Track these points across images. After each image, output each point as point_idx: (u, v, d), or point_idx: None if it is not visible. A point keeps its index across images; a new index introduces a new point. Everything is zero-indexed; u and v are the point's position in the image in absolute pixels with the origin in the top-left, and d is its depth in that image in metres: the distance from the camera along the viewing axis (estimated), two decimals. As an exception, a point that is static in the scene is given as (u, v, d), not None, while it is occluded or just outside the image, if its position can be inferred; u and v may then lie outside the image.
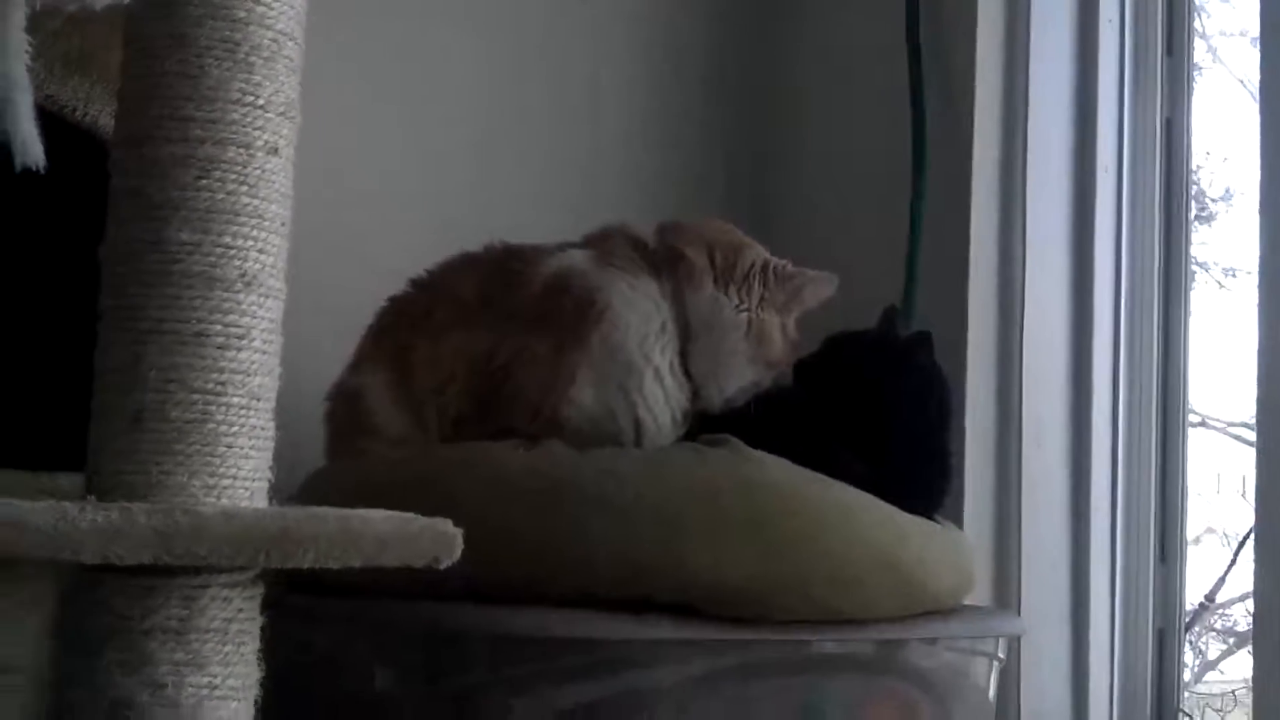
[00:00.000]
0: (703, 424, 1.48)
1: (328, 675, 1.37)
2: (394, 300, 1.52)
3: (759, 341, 1.48)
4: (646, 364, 1.42)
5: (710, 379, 1.47)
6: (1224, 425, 2.12)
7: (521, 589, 1.27)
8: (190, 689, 0.89)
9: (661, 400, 1.44)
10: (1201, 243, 2.30)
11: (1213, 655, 2.33)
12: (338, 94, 1.83)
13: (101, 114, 1.31)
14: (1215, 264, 2.21)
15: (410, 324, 1.47)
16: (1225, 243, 2.23)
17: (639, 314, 1.43)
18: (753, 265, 1.50)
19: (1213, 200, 2.34)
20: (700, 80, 2.27)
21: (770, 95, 2.29)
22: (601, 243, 1.49)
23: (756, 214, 2.14)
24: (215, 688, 0.90)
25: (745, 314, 1.48)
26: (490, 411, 1.41)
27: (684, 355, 1.46)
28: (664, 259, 1.48)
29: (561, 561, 1.28)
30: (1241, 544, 1.94)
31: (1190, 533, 2.04)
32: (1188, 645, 2.14)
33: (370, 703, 1.32)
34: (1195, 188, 2.22)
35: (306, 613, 1.35)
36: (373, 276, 1.52)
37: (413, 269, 1.52)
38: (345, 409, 1.47)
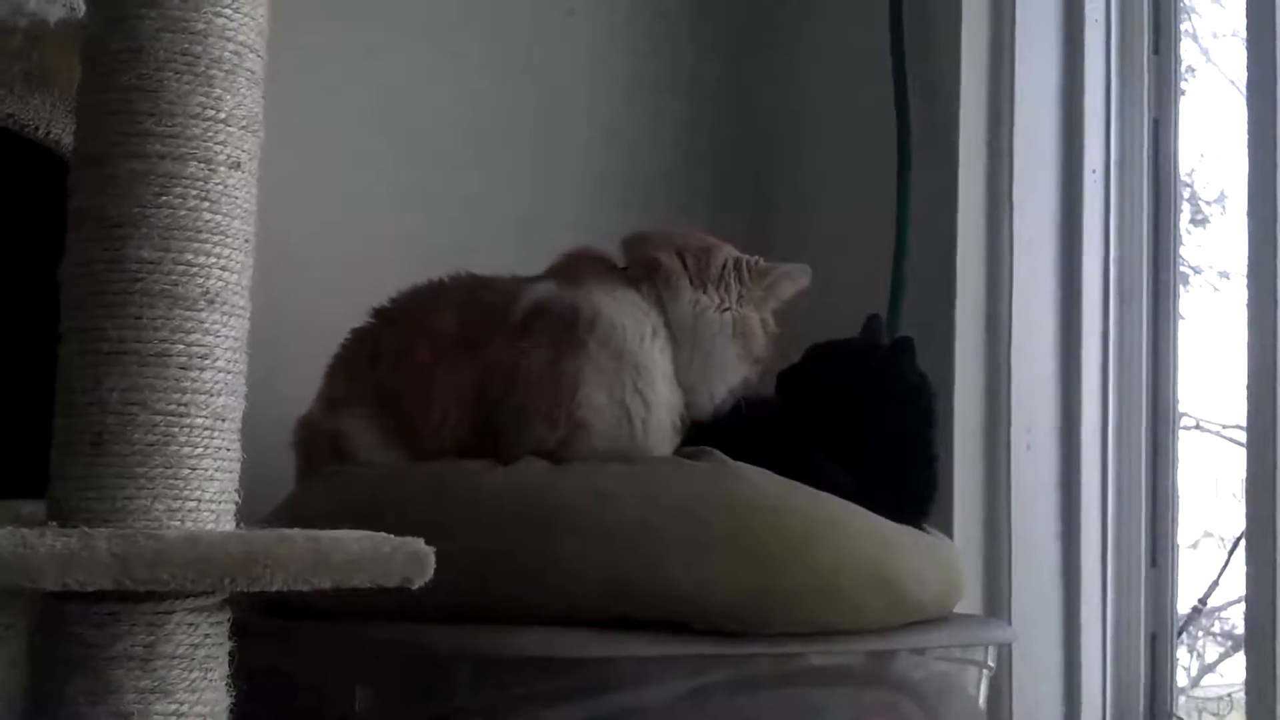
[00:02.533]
0: (694, 432, 1.47)
1: (307, 700, 1.35)
2: (359, 334, 1.49)
3: (745, 338, 1.48)
4: (652, 364, 1.42)
5: (702, 383, 1.47)
6: (1219, 428, 2.11)
7: (504, 611, 1.25)
8: (157, 717, 0.87)
9: (668, 402, 1.43)
10: (1197, 245, 2.30)
11: (1211, 659, 2.32)
12: (309, 111, 1.82)
13: (64, 133, 1.29)
14: (1210, 267, 2.20)
15: (389, 363, 1.44)
16: (1219, 246, 2.22)
17: (631, 318, 1.43)
18: (725, 263, 1.50)
19: (1206, 203, 2.33)
20: (685, 88, 2.25)
21: (754, 103, 2.28)
22: (569, 269, 1.47)
23: (743, 219, 2.14)
24: (183, 715, 0.88)
25: (728, 312, 1.48)
26: (495, 440, 1.39)
27: (673, 363, 1.45)
28: (638, 270, 1.47)
29: (544, 582, 1.26)
30: (1234, 547, 1.93)
31: (1188, 537, 2.03)
32: (1186, 649, 2.13)
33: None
34: (1189, 191, 2.22)
35: (284, 636, 1.33)
36: (346, 295, 1.51)
37: (387, 286, 1.50)
38: (325, 448, 1.44)
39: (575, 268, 1.47)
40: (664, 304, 1.46)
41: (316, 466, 1.46)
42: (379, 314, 1.49)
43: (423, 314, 1.46)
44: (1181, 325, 1.99)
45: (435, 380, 1.40)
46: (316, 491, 1.43)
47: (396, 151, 2.00)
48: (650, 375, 1.41)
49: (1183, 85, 2.04)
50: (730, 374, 1.48)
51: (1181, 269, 2.04)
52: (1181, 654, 2.08)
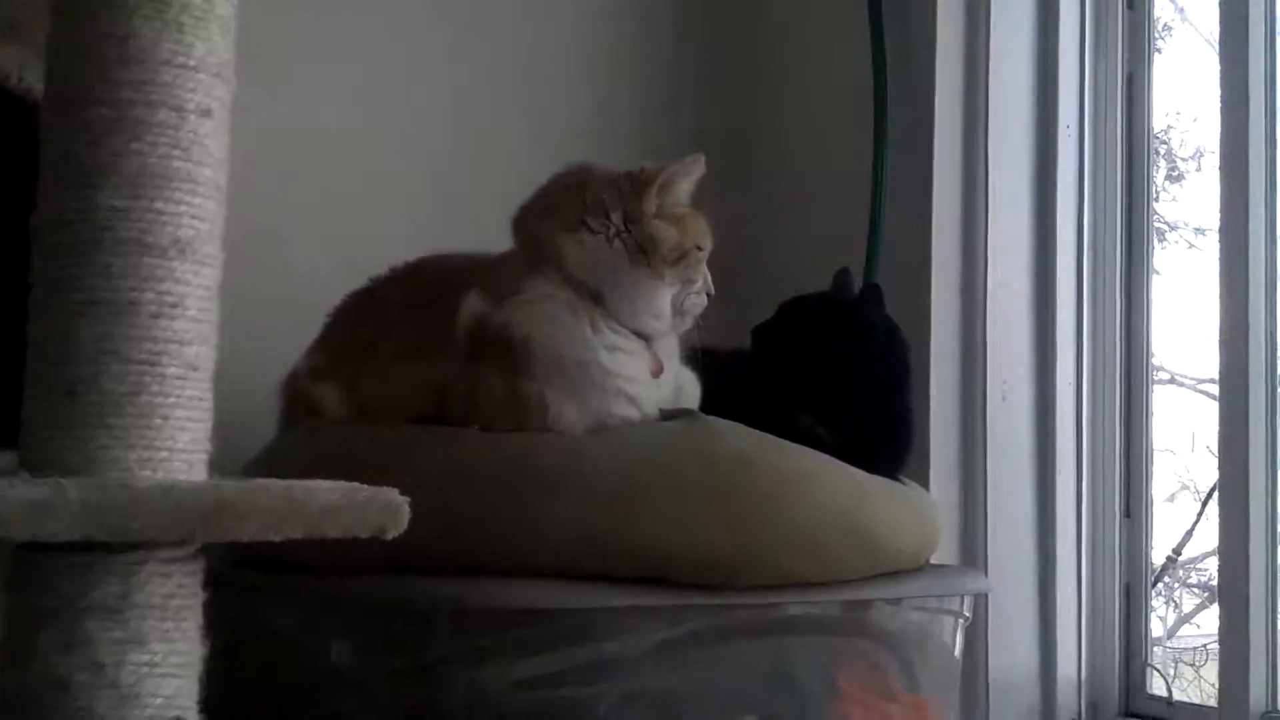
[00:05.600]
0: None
1: (285, 651, 1.35)
2: (339, 315, 1.50)
3: (648, 254, 1.39)
4: (603, 352, 1.36)
5: (644, 316, 1.39)
6: (1195, 383, 2.12)
7: (481, 565, 1.25)
8: (130, 667, 0.87)
9: (629, 363, 1.38)
10: (1171, 200, 2.30)
11: (1188, 610, 2.34)
12: (294, 72, 1.83)
13: (36, 81, 1.27)
14: (1186, 223, 2.21)
15: (357, 354, 1.43)
16: (1195, 202, 2.23)
17: (554, 320, 1.36)
18: (598, 193, 1.40)
19: (1183, 160, 2.34)
20: (660, 31, 2.26)
21: (731, 53, 2.28)
22: (488, 274, 1.40)
23: (721, 174, 2.13)
24: (156, 665, 0.88)
25: (617, 239, 1.39)
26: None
27: (608, 313, 1.38)
28: (531, 255, 1.41)
29: (520, 536, 1.26)
30: (1207, 499, 1.94)
31: (1165, 490, 2.05)
32: (1162, 600, 2.15)
33: (329, 678, 1.31)
34: (1165, 148, 2.22)
35: (262, 588, 1.34)
36: (324, 248, 1.50)
37: (362, 243, 1.49)
38: (305, 409, 1.44)
39: (493, 273, 1.40)
40: (568, 273, 1.38)
41: (295, 421, 1.46)
42: (356, 298, 1.50)
43: (385, 311, 1.45)
44: (1158, 281, 2.00)
45: (395, 382, 1.39)
46: (295, 442, 1.43)
47: (377, 112, 2.01)
48: (606, 365, 1.36)
49: (1159, 44, 2.04)
50: (650, 296, 1.39)
51: (1158, 225, 2.05)
52: (1159, 605, 2.10)
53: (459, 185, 2.02)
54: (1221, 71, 1.81)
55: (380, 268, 1.50)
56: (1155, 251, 2.00)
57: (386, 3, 2.03)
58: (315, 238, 1.88)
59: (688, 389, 1.47)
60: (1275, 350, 1.76)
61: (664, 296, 1.40)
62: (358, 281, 1.51)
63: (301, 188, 1.89)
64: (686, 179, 1.42)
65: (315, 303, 1.51)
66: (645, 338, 1.40)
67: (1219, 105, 1.81)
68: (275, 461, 1.41)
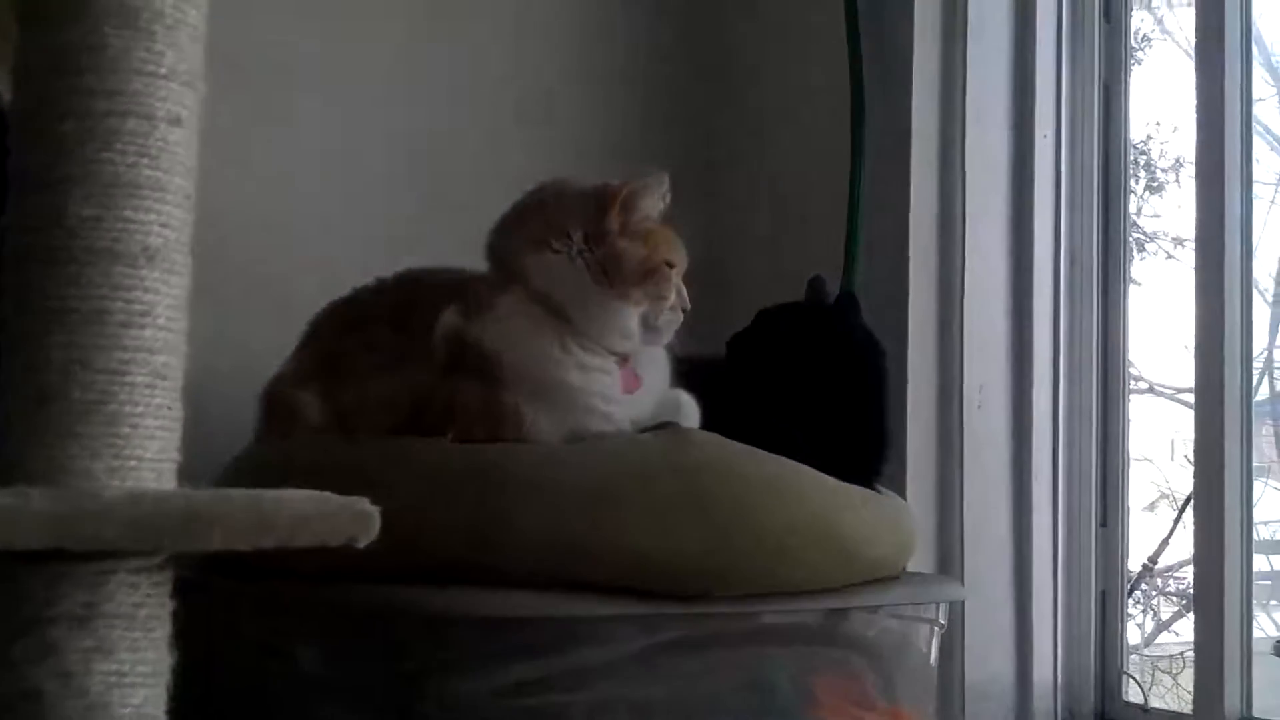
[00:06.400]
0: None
1: (259, 659, 1.35)
2: (318, 326, 1.50)
3: (611, 275, 1.37)
4: (563, 368, 1.35)
5: (611, 335, 1.37)
6: (1174, 392, 2.13)
7: (456, 573, 1.25)
8: (99, 676, 0.86)
9: (600, 381, 1.37)
10: (1153, 214, 2.32)
11: (1166, 618, 2.35)
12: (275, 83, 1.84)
13: (4, 89, 1.27)
14: (1165, 234, 2.22)
15: (333, 366, 1.43)
16: (1175, 213, 2.24)
17: (526, 339, 1.36)
18: (560, 212, 1.40)
19: (1163, 171, 2.35)
20: (639, 43, 2.26)
21: (708, 62, 2.28)
22: (465, 291, 1.39)
23: (699, 183, 2.14)
24: (124, 675, 0.87)
25: (579, 257, 1.38)
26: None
27: (577, 331, 1.37)
28: (504, 275, 1.41)
29: (498, 545, 1.26)
30: (1183, 508, 1.95)
31: (1145, 498, 2.06)
32: (1141, 608, 2.16)
33: (304, 687, 1.31)
34: (1145, 159, 2.23)
35: (236, 596, 1.33)
36: (297, 255, 1.50)
37: (333, 249, 1.49)
38: (284, 414, 1.44)
39: (470, 289, 1.39)
40: (535, 291, 1.37)
41: (275, 428, 1.45)
42: (340, 308, 1.49)
43: (369, 323, 1.45)
44: (1138, 291, 2.01)
45: (374, 393, 1.39)
46: (273, 450, 1.43)
47: (343, 117, 2.01)
48: (576, 384, 1.35)
49: (1140, 55, 2.05)
50: (614, 315, 1.37)
51: (1137, 235, 2.06)
52: (1137, 613, 2.11)
53: (436, 196, 2.02)
54: (1198, 82, 1.82)
55: (354, 276, 1.50)
56: (1135, 261, 2.02)
57: (366, 13, 2.03)
58: (291, 246, 1.88)
59: (687, 409, 1.45)
60: (1251, 360, 1.77)
61: (629, 315, 1.38)
62: (332, 290, 1.51)
63: (278, 195, 1.89)
64: (649, 196, 1.40)
65: (291, 311, 1.51)
66: (619, 354, 1.39)
67: (1194, 116, 1.82)
68: (253, 469, 1.41)
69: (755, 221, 2.17)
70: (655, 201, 1.40)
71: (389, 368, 1.39)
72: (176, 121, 0.93)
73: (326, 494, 0.92)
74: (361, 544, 0.92)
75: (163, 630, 0.91)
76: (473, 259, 1.43)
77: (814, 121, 2.10)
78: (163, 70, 0.93)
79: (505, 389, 1.34)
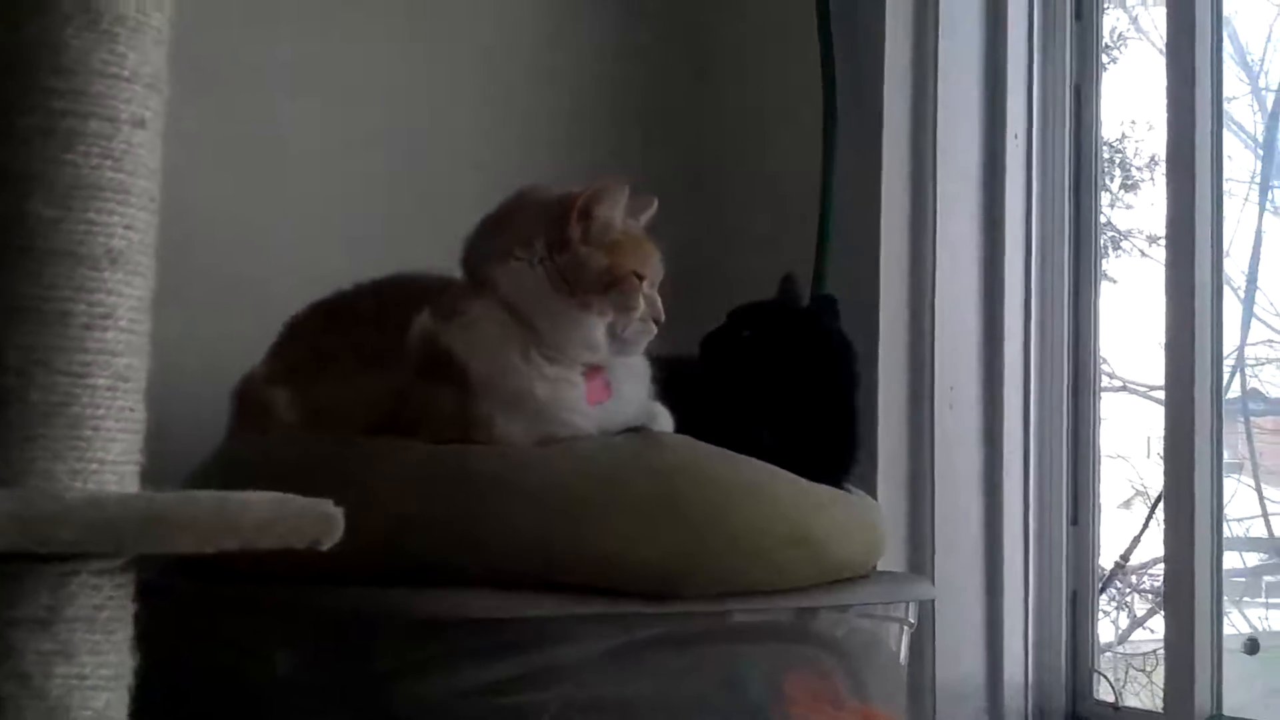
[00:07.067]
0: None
1: (228, 661, 1.34)
2: (296, 326, 1.49)
3: (572, 283, 1.35)
4: (527, 378, 1.34)
5: (574, 346, 1.36)
6: (1147, 390, 2.14)
7: (430, 575, 1.25)
8: (59, 679, 0.86)
9: (564, 391, 1.36)
10: (1126, 208, 2.32)
11: (1140, 615, 2.36)
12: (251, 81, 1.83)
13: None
14: (1140, 232, 2.23)
15: (313, 368, 1.43)
16: (1149, 211, 2.25)
17: (491, 350, 1.34)
18: (524, 221, 1.38)
19: (1137, 169, 2.36)
20: (609, 42, 2.26)
21: (681, 63, 2.28)
22: (440, 295, 1.39)
23: (668, 184, 2.13)
24: (85, 678, 0.87)
25: (540, 265, 1.36)
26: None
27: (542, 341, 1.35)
28: (475, 277, 1.40)
29: (469, 546, 1.26)
30: (1154, 505, 1.96)
31: (1120, 496, 2.06)
32: (1114, 605, 2.17)
33: (280, 689, 1.31)
34: (1120, 157, 2.24)
35: (205, 597, 1.33)
36: (269, 258, 1.50)
37: (305, 251, 1.49)
38: (257, 414, 1.43)
39: (444, 293, 1.39)
40: (503, 300, 1.36)
41: (247, 424, 1.45)
42: (321, 308, 1.49)
43: (350, 324, 1.44)
44: (1114, 289, 2.02)
45: (351, 393, 1.38)
46: (243, 450, 1.43)
47: (327, 122, 2.00)
48: (539, 395, 1.34)
49: (1114, 53, 2.06)
50: (575, 326, 1.35)
51: (1111, 234, 2.07)
52: (1111, 610, 2.12)
53: (410, 200, 2.02)
54: (1168, 79, 1.83)
55: (326, 278, 1.50)
56: (1110, 259, 2.02)
57: (341, 16, 2.03)
58: (263, 249, 1.88)
59: (661, 422, 1.44)
60: (1221, 357, 1.78)
61: (593, 326, 1.36)
62: (304, 293, 1.50)
63: (250, 197, 1.88)
64: (607, 202, 1.37)
65: (263, 314, 1.50)
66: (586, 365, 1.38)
67: (1165, 114, 1.82)
68: (223, 468, 1.41)
69: (727, 222, 2.17)
70: (615, 208, 1.38)
71: (365, 368, 1.39)
72: (140, 124, 0.93)
73: (290, 496, 0.92)
74: (325, 546, 0.92)
75: (124, 633, 0.91)
76: (447, 263, 1.43)
77: (786, 122, 2.10)
78: (126, 72, 0.93)
79: (474, 396, 1.33)
